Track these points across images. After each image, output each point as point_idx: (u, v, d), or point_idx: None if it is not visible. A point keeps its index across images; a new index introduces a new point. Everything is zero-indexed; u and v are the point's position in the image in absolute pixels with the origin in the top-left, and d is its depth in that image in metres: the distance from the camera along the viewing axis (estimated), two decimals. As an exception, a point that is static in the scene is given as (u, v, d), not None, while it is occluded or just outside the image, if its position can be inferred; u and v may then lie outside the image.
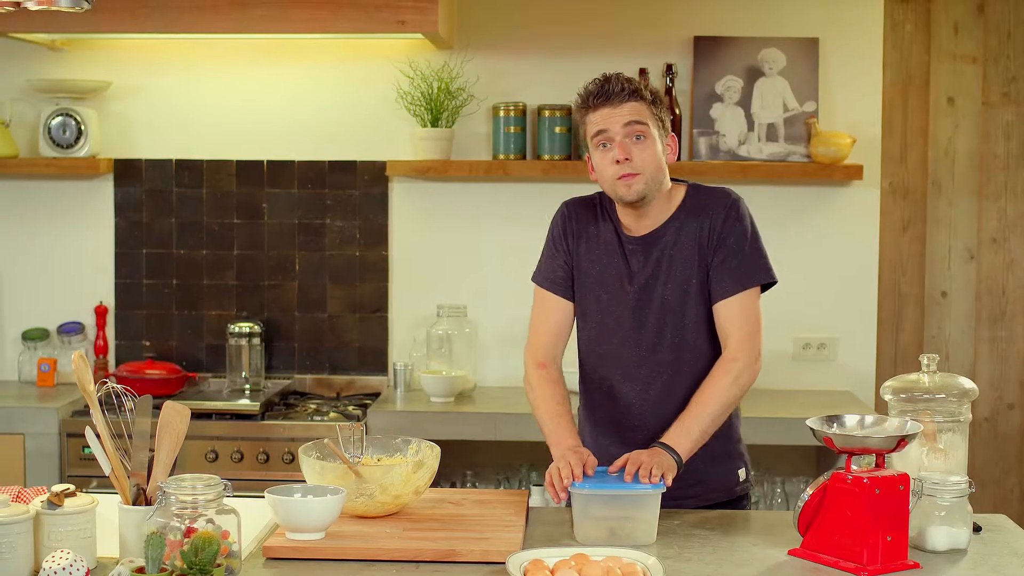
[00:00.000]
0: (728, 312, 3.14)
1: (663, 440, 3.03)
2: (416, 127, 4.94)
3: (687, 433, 3.04)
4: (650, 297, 3.18)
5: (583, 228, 3.27)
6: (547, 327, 3.30)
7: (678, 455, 2.99)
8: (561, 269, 3.28)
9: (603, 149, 3.13)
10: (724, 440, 3.23)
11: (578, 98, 3.20)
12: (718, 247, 3.15)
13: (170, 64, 5.07)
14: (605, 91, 3.13)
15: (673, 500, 3.04)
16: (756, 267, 3.16)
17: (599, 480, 2.92)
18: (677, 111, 4.89)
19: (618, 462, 2.97)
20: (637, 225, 3.21)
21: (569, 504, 2.97)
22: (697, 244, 3.16)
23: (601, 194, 3.29)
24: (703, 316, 3.19)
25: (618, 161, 3.10)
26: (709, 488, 3.24)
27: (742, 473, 3.31)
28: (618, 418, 3.22)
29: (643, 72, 4.89)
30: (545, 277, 3.31)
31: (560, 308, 3.29)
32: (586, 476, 2.92)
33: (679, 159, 4.86)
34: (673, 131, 4.81)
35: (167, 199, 5.10)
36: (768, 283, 3.19)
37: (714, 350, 3.20)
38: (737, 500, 3.32)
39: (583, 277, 3.26)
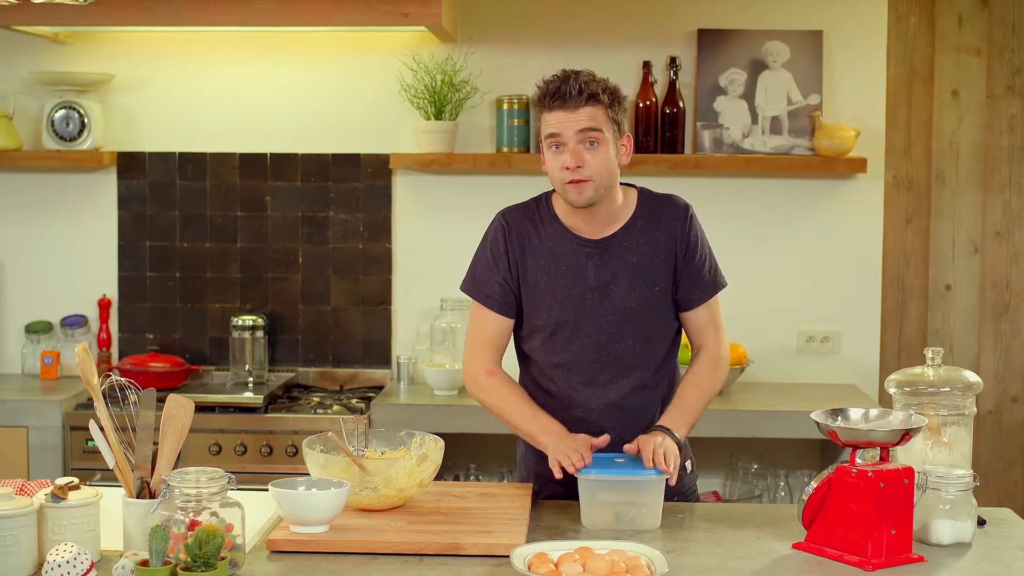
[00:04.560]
0: (700, 317, 3.25)
1: (662, 423, 3.09)
2: (419, 120, 4.94)
3: (683, 419, 3.13)
4: (611, 301, 3.17)
5: (525, 240, 3.22)
6: (485, 340, 3.26)
7: (677, 438, 3.06)
8: (498, 285, 3.22)
9: (555, 151, 3.10)
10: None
11: (536, 91, 3.16)
12: (687, 257, 3.20)
13: (173, 57, 5.06)
14: (561, 93, 3.07)
15: None
16: (718, 274, 3.28)
17: (605, 466, 2.96)
18: (681, 104, 4.88)
19: (630, 448, 3.01)
20: (591, 228, 3.19)
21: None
22: (663, 252, 3.19)
23: (538, 200, 3.28)
24: (667, 322, 3.24)
25: (568, 168, 3.07)
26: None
27: (688, 465, 3.32)
28: (574, 425, 3.17)
29: (647, 65, 4.89)
30: (480, 290, 3.25)
31: (498, 322, 3.24)
32: (593, 462, 2.97)
33: (683, 152, 4.90)
34: (676, 125, 4.87)
35: (170, 192, 5.10)
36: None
37: (672, 355, 3.27)
38: (689, 492, 3.33)
39: (531, 290, 3.21)
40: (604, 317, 3.17)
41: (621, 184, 3.22)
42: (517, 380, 3.31)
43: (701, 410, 3.19)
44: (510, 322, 3.25)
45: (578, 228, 3.19)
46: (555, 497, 3.16)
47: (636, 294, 3.17)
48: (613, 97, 3.11)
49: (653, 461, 2.93)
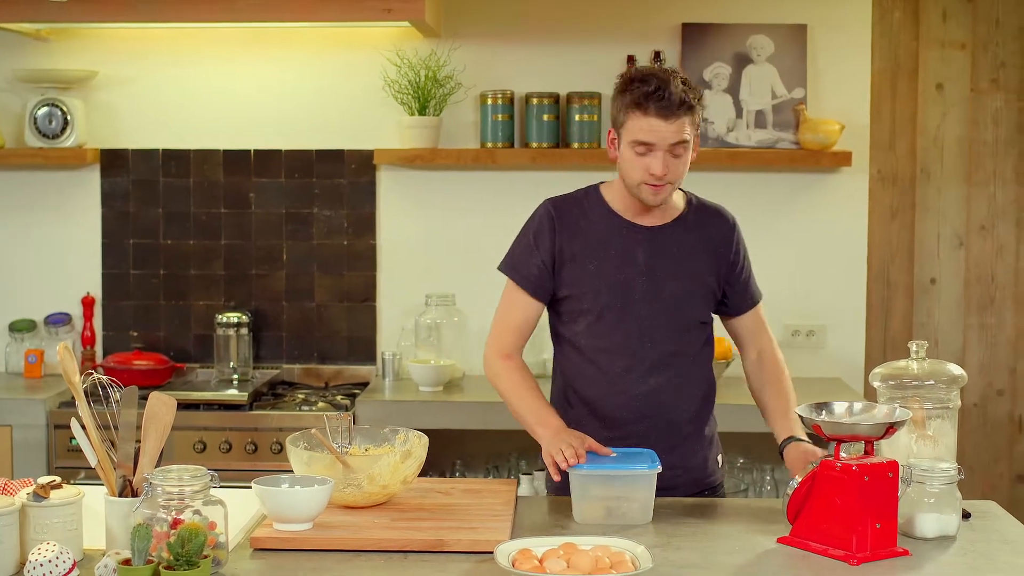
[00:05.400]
0: (751, 322, 3.35)
1: (793, 435, 3.13)
2: (403, 115, 4.93)
3: (797, 423, 3.15)
4: (658, 288, 3.21)
5: (574, 225, 3.23)
6: (513, 323, 3.27)
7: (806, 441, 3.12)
8: (536, 268, 3.22)
9: (638, 153, 3.08)
10: (707, 428, 3.34)
11: (625, 89, 3.08)
12: (736, 266, 3.29)
13: (156, 53, 5.04)
14: (663, 99, 3.03)
15: (663, 490, 3.08)
16: (755, 282, 3.37)
17: (596, 461, 2.97)
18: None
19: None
20: (642, 218, 3.23)
21: (562, 484, 3.01)
22: (708, 253, 3.25)
23: (586, 191, 3.30)
24: (704, 318, 3.30)
25: (654, 174, 3.08)
26: (696, 476, 3.29)
27: (720, 459, 3.40)
28: (610, 410, 3.21)
29: (631, 59, 4.88)
30: (517, 271, 3.25)
31: (529, 306, 3.25)
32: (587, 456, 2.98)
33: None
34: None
35: (154, 189, 5.08)
36: None
37: (707, 352, 3.32)
38: (718, 486, 3.38)
39: (579, 274, 3.21)
40: (650, 304, 3.20)
41: None
42: (552, 363, 3.37)
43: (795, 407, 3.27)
44: (540, 308, 3.27)
45: (626, 213, 3.23)
46: None
47: (681, 285, 3.22)
48: (700, 107, 3.12)
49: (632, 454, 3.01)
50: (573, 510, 2.94)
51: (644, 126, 3.05)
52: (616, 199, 3.24)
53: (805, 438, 3.10)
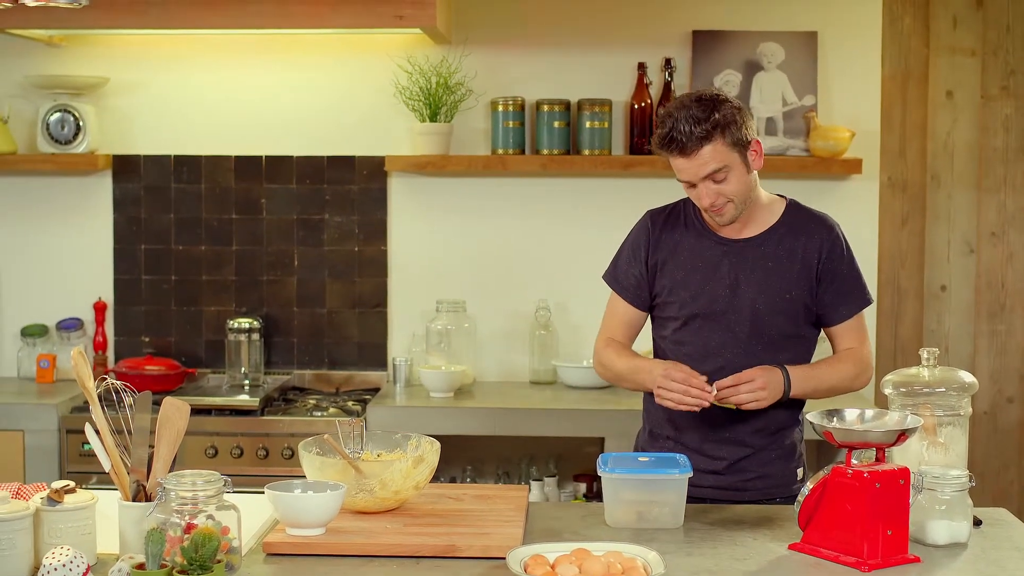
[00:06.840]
0: (847, 332, 3.32)
1: (786, 365, 3.20)
2: (414, 122, 4.94)
3: (807, 377, 3.21)
4: (740, 301, 3.24)
5: (668, 236, 3.32)
6: (614, 326, 3.42)
7: (789, 384, 3.17)
8: (634, 278, 3.35)
9: (685, 187, 3.20)
10: (789, 439, 3.35)
11: (655, 136, 3.19)
12: (831, 276, 3.27)
13: (168, 60, 5.06)
14: (675, 141, 3.10)
15: (734, 491, 3.26)
16: (863, 291, 3.33)
17: (629, 465, 3.00)
18: (676, 105, 4.88)
19: (729, 379, 3.13)
20: (731, 229, 3.27)
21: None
22: (800, 263, 3.25)
23: (686, 200, 3.35)
24: (795, 332, 3.29)
25: (702, 205, 3.18)
26: (770, 483, 3.32)
27: (800, 472, 3.39)
28: (688, 414, 3.22)
29: (641, 66, 4.89)
30: (616, 280, 3.40)
31: (628, 311, 3.39)
32: (617, 461, 3.01)
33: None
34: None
35: (165, 195, 5.09)
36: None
37: (796, 361, 3.29)
38: (793, 497, 3.35)
39: (668, 284, 3.30)
40: (732, 315, 3.25)
41: (775, 195, 3.33)
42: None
43: (824, 388, 3.27)
44: (641, 315, 3.40)
45: (719, 228, 3.27)
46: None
47: (765, 298, 3.24)
48: (729, 122, 3.11)
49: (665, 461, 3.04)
50: (605, 514, 2.97)
51: (675, 165, 3.16)
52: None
53: (791, 378, 3.17)
